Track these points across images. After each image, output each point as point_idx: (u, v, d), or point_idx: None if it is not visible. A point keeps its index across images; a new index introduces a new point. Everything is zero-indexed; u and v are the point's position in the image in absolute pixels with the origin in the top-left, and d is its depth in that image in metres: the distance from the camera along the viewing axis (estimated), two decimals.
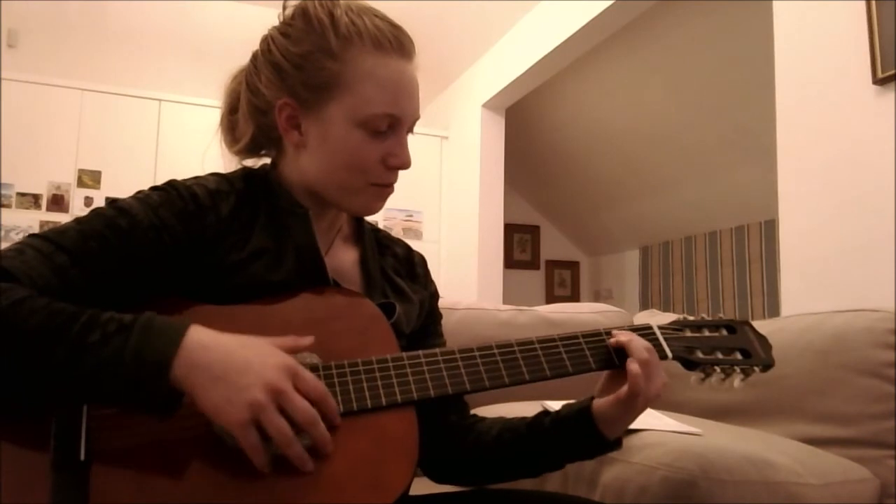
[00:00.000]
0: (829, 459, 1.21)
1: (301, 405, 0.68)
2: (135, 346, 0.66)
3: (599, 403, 0.87)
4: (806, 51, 2.12)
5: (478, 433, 0.97)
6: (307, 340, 0.75)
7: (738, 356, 0.94)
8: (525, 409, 1.29)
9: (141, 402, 0.66)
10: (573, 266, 6.12)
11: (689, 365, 0.92)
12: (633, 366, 0.83)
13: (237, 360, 0.68)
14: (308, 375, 0.71)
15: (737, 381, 0.92)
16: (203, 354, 0.67)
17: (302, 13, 0.85)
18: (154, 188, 0.83)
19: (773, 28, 2.24)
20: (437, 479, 0.99)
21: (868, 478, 1.21)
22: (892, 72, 1.84)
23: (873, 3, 1.89)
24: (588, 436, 0.88)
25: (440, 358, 0.81)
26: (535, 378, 0.84)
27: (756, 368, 0.93)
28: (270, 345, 0.72)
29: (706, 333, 0.96)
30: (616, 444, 0.90)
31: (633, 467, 1.08)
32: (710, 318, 0.99)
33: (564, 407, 0.92)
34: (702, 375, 0.92)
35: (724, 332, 0.97)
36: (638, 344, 0.85)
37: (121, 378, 0.65)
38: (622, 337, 0.86)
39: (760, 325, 1.57)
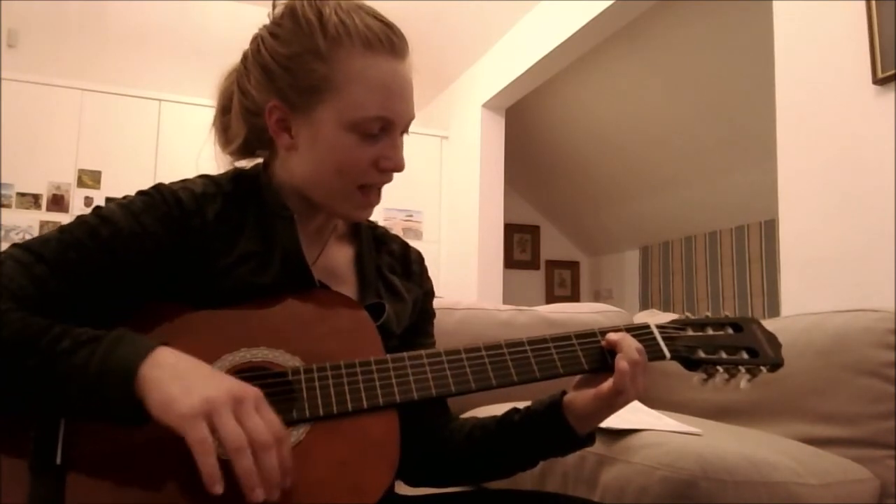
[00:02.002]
0: (829, 459, 1.21)
1: (258, 422, 0.63)
2: (103, 354, 0.66)
3: (574, 398, 0.86)
4: (806, 51, 2.12)
5: (449, 432, 0.95)
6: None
7: (744, 355, 0.89)
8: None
9: (108, 410, 0.65)
10: (573, 266, 6.12)
11: (690, 365, 0.88)
12: (621, 362, 0.81)
13: (204, 369, 0.67)
14: (271, 411, 0.66)
15: (743, 381, 0.88)
16: (169, 360, 0.66)
17: (290, 13, 0.83)
18: (140, 192, 0.82)
19: (773, 28, 2.24)
20: (411, 483, 0.98)
21: (868, 478, 1.21)
22: (892, 72, 1.84)
23: (873, 3, 1.89)
24: (558, 430, 0.86)
25: (425, 360, 0.79)
26: (524, 380, 0.81)
27: (763, 368, 0.89)
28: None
29: (710, 332, 0.91)
30: (588, 441, 0.89)
31: (633, 467, 1.08)
32: (715, 317, 0.94)
33: (535, 402, 0.90)
34: (704, 376, 0.88)
35: (730, 331, 0.92)
36: (629, 342, 0.83)
37: (87, 386, 0.65)
38: (614, 336, 0.84)
39: None
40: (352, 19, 0.81)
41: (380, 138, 0.83)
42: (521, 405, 0.93)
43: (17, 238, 3.77)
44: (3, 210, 3.77)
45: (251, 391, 0.65)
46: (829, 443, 1.31)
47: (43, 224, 3.83)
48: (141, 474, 0.69)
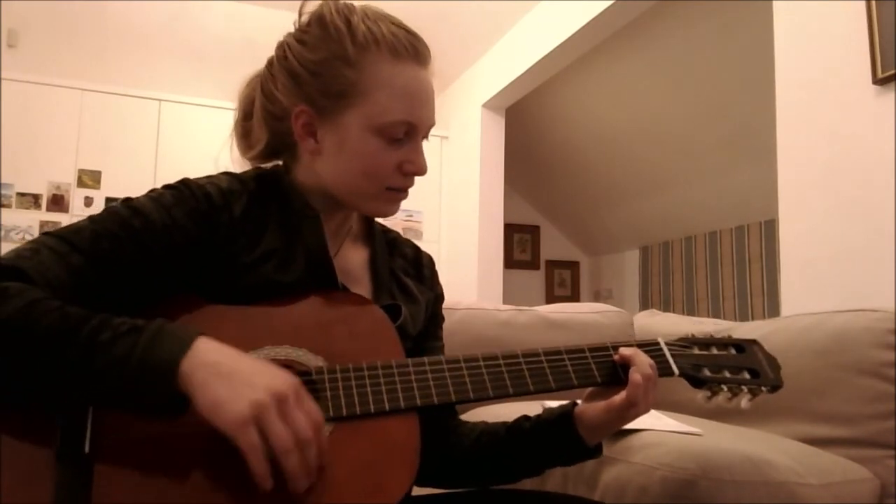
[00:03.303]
0: (829, 459, 1.21)
1: (302, 420, 0.66)
2: (144, 346, 0.66)
3: (585, 409, 0.88)
4: (806, 51, 2.12)
5: (459, 436, 0.97)
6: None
7: (746, 376, 0.93)
8: (525, 409, 1.28)
9: (147, 403, 0.66)
10: (573, 266, 6.12)
11: (696, 382, 0.91)
12: (635, 375, 0.83)
13: (244, 366, 0.67)
14: (309, 399, 0.69)
15: (744, 401, 0.91)
16: (211, 356, 0.67)
17: (318, 20, 0.85)
18: (167, 187, 0.83)
19: (773, 28, 2.24)
20: (418, 482, 0.99)
21: (868, 478, 1.21)
22: (892, 72, 1.84)
23: (873, 3, 1.89)
24: (568, 441, 0.88)
25: (444, 365, 0.81)
26: (540, 390, 0.83)
27: (764, 389, 0.93)
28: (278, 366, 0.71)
29: (714, 352, 0.95)
30: (596, 452, 0.90)
31: (633, 467, 1.09)
32: (718, 337, 0.98)
33: (545, 411, 0.92)
34: (708, 394, 0.91)
35: (733, 351, 0.96)
36: (643, 358, 0.85)
37: (128, 377, 0.65)
38: (627, 351, 0.86)
39: (760, 325, 1.58)
40: (379, 27, 0.84)
41: (404, 143, 0.85)
42: (536, 404, 0.93)
43: (17, 238, 3.77)
44: (3, 210, 3.77)
45: (289, 383, 0.67)
46: (829, 443, 1.31)
47: (43, 224, 3.83)
48: (169, 463, 0.69)
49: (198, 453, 0.69)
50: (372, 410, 0.75)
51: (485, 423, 0.97)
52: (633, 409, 0.83)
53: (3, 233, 3.78)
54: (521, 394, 0.83)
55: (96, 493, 0.65)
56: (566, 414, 0.89)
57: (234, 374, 0.66)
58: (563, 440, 0.89)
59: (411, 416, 0.77)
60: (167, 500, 0.67)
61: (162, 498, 0.67)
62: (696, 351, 0.94)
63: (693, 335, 0.97)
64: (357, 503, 0.70)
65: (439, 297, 1.03)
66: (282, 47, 0.88)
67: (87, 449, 0.67)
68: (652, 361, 0.86)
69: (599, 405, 0.86)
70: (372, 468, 0.72)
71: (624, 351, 0.87)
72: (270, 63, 0.90)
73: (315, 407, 0.68)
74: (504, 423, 0.94)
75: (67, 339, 0.66)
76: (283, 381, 0.67)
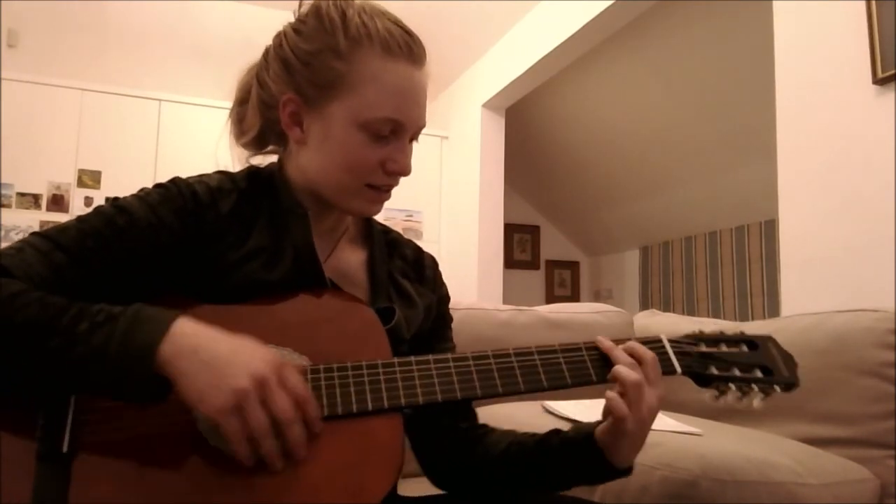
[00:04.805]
0: (829, 459, 1.21)
1: (282, 402, 0.67)
2: (121, 333, 0.67)
3: (599, 429, 0.85)
4: (806, 51, 2.12)
5: (486, 445, 0.95)
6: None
7: (758, 374, 0.88)
8: (524, 409, 1.28)
9: (127, 389, 0.67)
10: (573, 266, 6.12)
11: (702, 381, 0.87)
12: (609, 392, 0.81)
13: (224, 349, 0.68)
14: (293, 375, 0.70)
15: (756, 400, 0.86)
16: (190, 342, 0.68)
17: (315, 11, 0.85)
18: (157, 185, 0.84)
19: (773, 28, 2.24)
20: (440, 485, 0.98)
21: (868, 478, 1.21)
22: (892, 72, 1.84)
23: (873, 3, 1.89)
24: (595, 461, 0.85)
25: (432, 364, 0.79)
26: (531, 389, 0.81)
27: (777, 388, 0.87)
28: (259, 342, 0.71)
29: (724, 349, 0.90)
30: (626, 472, 0.86)
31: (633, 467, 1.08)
32: (729, 333, 0.93)
33: (573, 429, 0.89)
34: (716, 393, 0.87)
35: (745, 348, 0.91)
36: (622, 368, 0.81)
37: (107, 365, 0.66)
38: (604, 344, 0.83)
39: (760, 326, 1.57)
40: (374, 23, 0.83)
41: (389, 141, 0.84)
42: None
43: (17, 238, 3.77)
44: (3, 210, 3.77)
45: (269, 363, 0.68)
46: (829, 443, 1.31)
47: (43, 224, 3.83)
48: (146, 464, 0.69)
49: (175, 454, 0.70)
50: (354, 410, 0.74)
51: (514, 434, 0.95)
52: (626, 422, 0.80)
53: (3, 233, 3.78)
54: (511, 393, 0.80)
55: (74, 493, 0.66)
56: (589, 434, 0.86)
57: (214, 361, 0.67)
58: (590, 461, 0.85)
59: (395, 417, 0.76)
60: (144, 500, 0.67)
61: (139, 498, 0.67)
62: (703, 348, 0.89)
63: (701, 331, 0.92)
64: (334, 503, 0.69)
65: (443, 298, 1.02)
66: (279, 36, 0.89)
67: (65, 448, 0.67)
68: (631, 360, 0.82)
69: (605, 425, 0.83)
70: (353, 469, 0.71)
71: (602, 343, 0.84)
72: (267, 51, 0.90)
73: (299, 380, 0.70)
74: (534, 436, 0.92)
75: (47, 330, 0.67)
76: (263, 361, 0.68)
